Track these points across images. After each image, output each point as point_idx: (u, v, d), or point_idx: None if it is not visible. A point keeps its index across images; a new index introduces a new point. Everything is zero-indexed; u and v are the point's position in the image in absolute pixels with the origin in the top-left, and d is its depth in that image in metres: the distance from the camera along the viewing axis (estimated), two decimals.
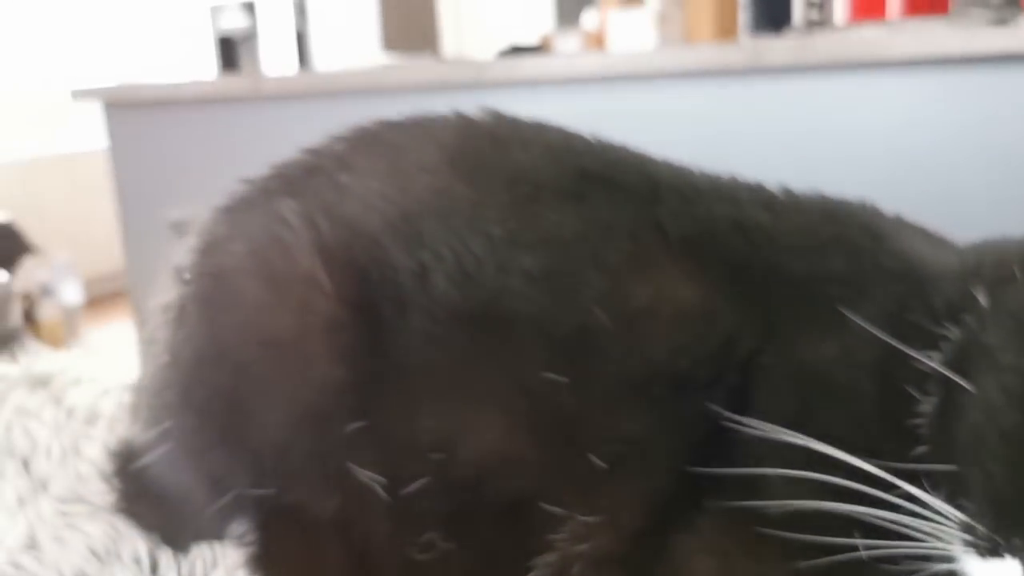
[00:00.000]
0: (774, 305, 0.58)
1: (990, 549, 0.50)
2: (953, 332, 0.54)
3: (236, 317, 0.56)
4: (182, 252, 0.58)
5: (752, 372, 0.57)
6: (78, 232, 3.91)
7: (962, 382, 0.51)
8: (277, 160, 0.62)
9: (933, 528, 0.52)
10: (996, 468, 0.50)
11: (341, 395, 0.56)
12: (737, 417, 0.54)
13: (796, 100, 1.73)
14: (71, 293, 3.57)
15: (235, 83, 2.14)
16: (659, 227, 0.60)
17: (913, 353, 0.52)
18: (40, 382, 0.68)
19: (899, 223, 0.63)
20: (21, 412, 0.64)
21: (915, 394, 0.54)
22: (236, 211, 0.60)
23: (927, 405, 0.54)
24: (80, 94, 2.24)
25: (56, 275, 3.52)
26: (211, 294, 0.57)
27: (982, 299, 0.53)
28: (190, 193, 2.21)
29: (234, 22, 4.27)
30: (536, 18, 3.33)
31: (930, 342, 0.54)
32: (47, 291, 3.48)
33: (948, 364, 0.52)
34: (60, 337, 3.47)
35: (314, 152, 0.63)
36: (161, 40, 4.41)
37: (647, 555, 0.59)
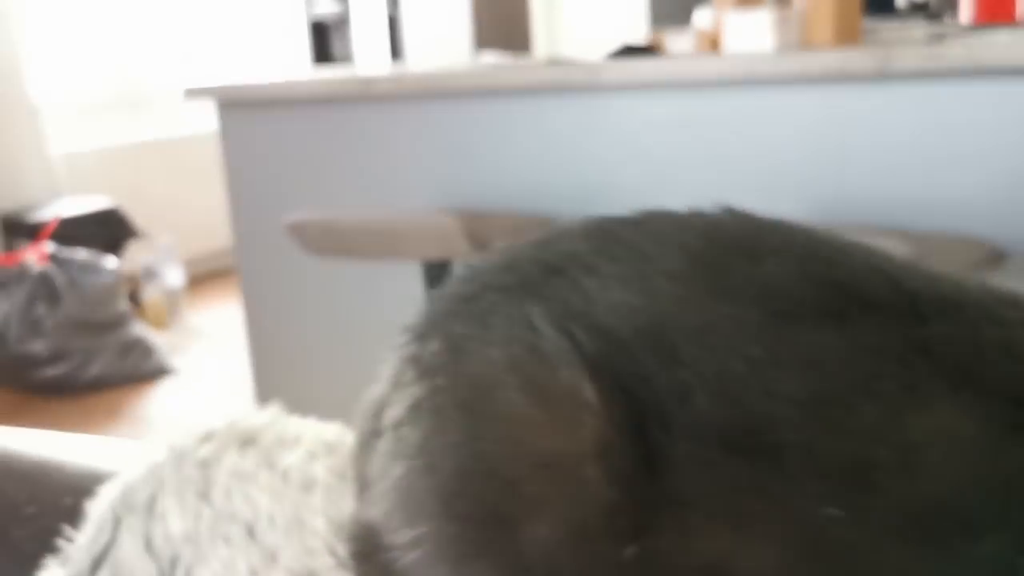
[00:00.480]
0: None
1: None
2: None
3: (503, 431, 0.56)
4: (413, 344, 0.58)
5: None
6: (179, 216, 4.01)
7: None
8: (498, 248, 0.62)
9: None
10: None
11: (615, 518, 0.55)
12: None
13: (925, 106, 1.68)
14: (174, 276, 3.67)
15: (345, 83, 2.17)
16: (928, 352, 0.57)
17: None
18: (248, 441, 0.70)
19: None
20: (238, 476, 0.67)
21: None
22: (474, 307, 0.60)
23: None
24: (193, 92, 2.29)
25: (159, 258, 3.63)
26: (472, 404, 0.57)
27: None
28: (302, 191, 2.25)
29: (327, 7, 4.31)
30: (631, 18, 3.29)
31: None
32: (151, 274, 3.59)
33: None
34: (163, 319, 3.58)
35: (544, 248, 0.62)
36: (255, 24, 4.47)
37: None
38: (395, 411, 0.60)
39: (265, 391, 2.37)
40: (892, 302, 0.59)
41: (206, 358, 3.28)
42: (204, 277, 4.09)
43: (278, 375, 2.38)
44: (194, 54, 4.35)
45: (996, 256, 1.58)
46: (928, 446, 0.55)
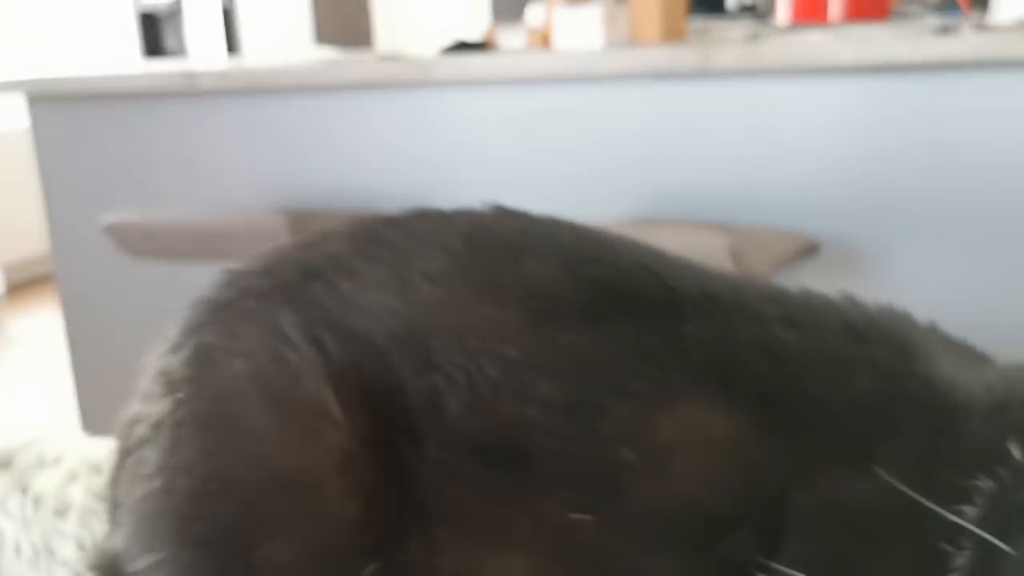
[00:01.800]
0: (804, 436, 0.56)
1: None
2: (986, 484, 0.51)
3: (241, 447, 0.53)
4: (166, 356, 0.54)
5: (783, 511, 0.54)
6: None
7: (997, 543, 0.48)
8: (264, 254, 0.58)
9: None
10: None
11: (356, 534, 0.53)
12: (768, 563, 0.52)
13: (744, 103, 1.73)
14: None
15: (167, 77, 2.06)
16: (684, 351, 0.57)
17: (943, 512, 0.50)
18: (3, 463, 0.64)
19: (929, 335, 0.61)
20: None
21: (948, 548, 0.51)
22: (226, 315, 0.56)
23: (961, 559, 0.51)
24: (2, 86, 2.14)
25: None
26: (211, 419, 0.53)
27: (1016, 452, 0.51)
28: (124, 191, 2.13)
29: None
30: (472, 12, 3.28)
31: (962, 495, 0.51)
32: None
33: (982, 522, 0.50)
34: None
35: (307, 250, 0.59)
36: (81, 17, 4.23)
37: None
38: (141, 428, 0.55)
39: (87, 402, 2.23)
40: (654, 299, 0.59)
41: (25, 369, 3.10)
42: (25, 284, 3.86)
43: (100, 385, 2.25)
44: (8, 46, 4.08)
45: (811, 247, 1.64)
46: (678, 446, 0.55)
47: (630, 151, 1.81)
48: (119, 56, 4.19)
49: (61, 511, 0.61)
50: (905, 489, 0.50)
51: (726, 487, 0.55)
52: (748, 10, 2.88)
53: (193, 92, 2.04)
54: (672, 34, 1.91)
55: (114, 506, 0.56)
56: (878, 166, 1.65)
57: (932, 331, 0.60)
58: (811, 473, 0.54)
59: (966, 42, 1.56)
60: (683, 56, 1.72)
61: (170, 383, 0.54)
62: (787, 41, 1.86)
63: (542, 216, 0.62)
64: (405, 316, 0.55)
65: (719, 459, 0.55)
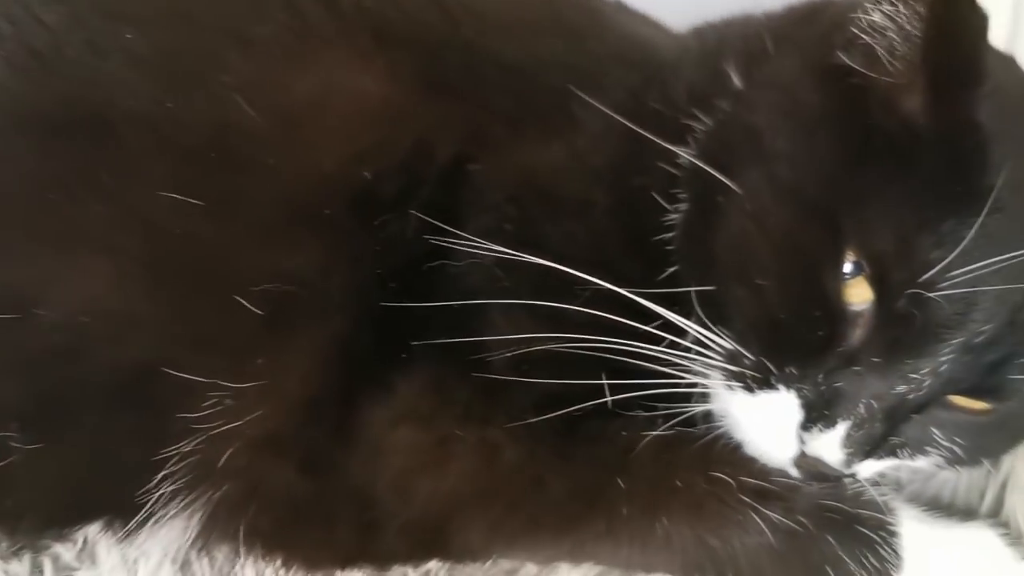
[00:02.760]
0: (483, 99, 0.50)
1: (760, 380, 0.48)
2: (703, 121, 0.49)
3: None
4: None
5: (459, 184, 0.50)
6: None
7: (721, 177, 0.47)
8: None
9: (690, 361, 0.49)
10: (766, 283, 0.47)
11: None
12: (441, 240, 0.48)
13: None
14: None
15: None
16: (334, 5, 0.50)
17: (661, 142, 0.47)
18: None
19: (618, 6, 0.57)
20: None
21: (661, 202, 0.49)
22: None
23: (675, 215, 0.50)
24: None
25: None
26: None
27: (736, 79, 0.49)
28: None
29: None
30: None
31: (676, 135, 0.49)
32: None
33: (702, 157, 0.48)
34: None
35: None
36: None
37: (326, 433, 0.51)
38: None
39: None
40: None
41: None
42: None
43: None
44: None
45: None
46: (314, 107, 0.48)
47: None
48: None
49: None
50: (624, 121, 0.47)
51: (382, 158, 0.49)
52: None
53: None
54: None
55: None
56: None
57: (619, 2, 0.57)
58: (494, 140, 0.50)
59: None
60: None
61: None
62: None
63: None
64: None
65: (372, 124, 0.50)
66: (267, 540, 0.54)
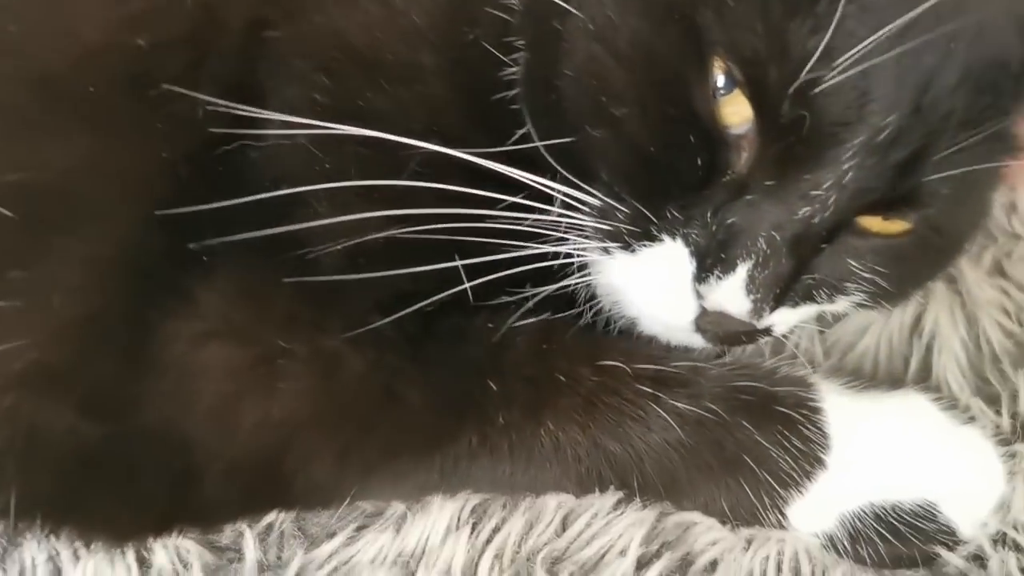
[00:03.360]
0: None
1: (638, 233, 0.42)
2: None
3: None
4: None
5: (257, 56, 0.45)
6: None
7: (563, 4, 0.41)
8: None
9: (556, 228, 0.43)
10: (625, 112, 0.40)
11: None
12: (242, 110, 0.41)
13: None
14: None
15: None
16: None
17: None
18: None
19: None
20: None
21: (497, 54, 0.44)
22: None
23: (515, 68, 0.45)
24: None
25: None
26: None
27: None
28: None
29: None
30: None
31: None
32: None
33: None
34: None
35: None
36: None
37: (114, 362, 0.43)
38: None
39: None
40: None
41: None
42: None
43: None
44: None
45: None
46: None
47: None
48: None
49: None
50: None
51: (158, 24, 0.44)
52: None
53: None
54: None
55: None
56: None
57: None
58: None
59: None
60: None
61: None
62: None
63: None
64: None
65: None
66: (50, 507, 0.43)
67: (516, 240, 0.43)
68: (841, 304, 0.46)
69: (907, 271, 0.45)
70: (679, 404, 0.45)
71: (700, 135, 0.40)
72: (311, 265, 0.43)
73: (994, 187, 0.49)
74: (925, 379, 0.55)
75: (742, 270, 0.40)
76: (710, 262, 0.40)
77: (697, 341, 0.45)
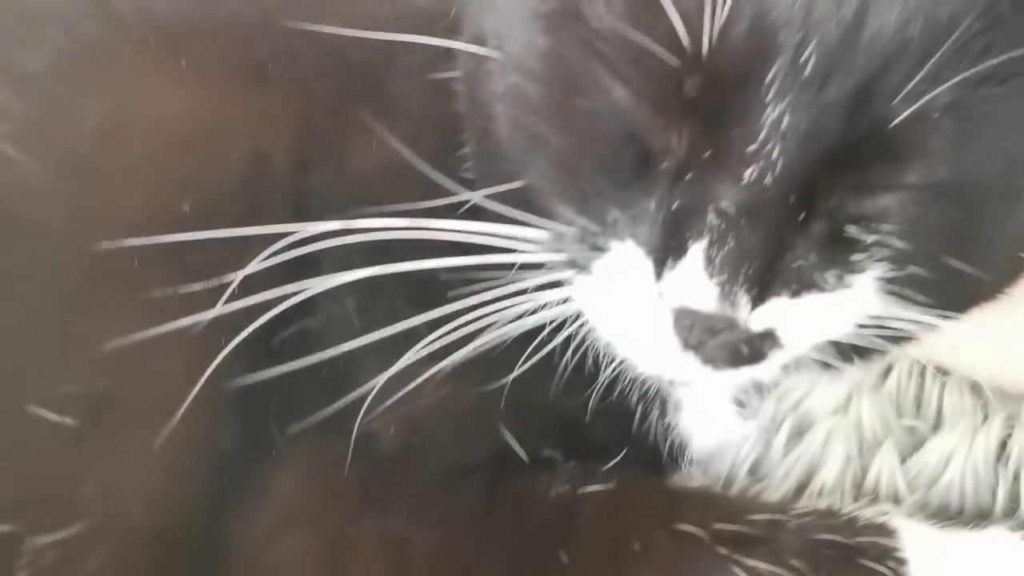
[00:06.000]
0: (307, 84, 0.45)
1: (588, 249, 0.38)
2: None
3: None
4: None
5: (308, 200, 0.44)
6: None
7: (479, 50, 0.40)
8: None
9: (524, 278, 0.40)
10: (552, 126, 0.38)
11: None
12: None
13: None
14: None
15: None
16: (103, 4, 0.44)
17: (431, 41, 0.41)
18: None
19: None
20: None
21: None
22: None
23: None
24: None
25: None
26: None
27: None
28: None
29: None
30: None
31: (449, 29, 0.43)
32: None
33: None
34: None
35: None
36: None
37: (192, 561, 0.42)
38: None
39: None
40: None
41: None
42: None
43: None
44: None
45: None
46: (113, 139, 0.43)
47: None
48: None
49: None
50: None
51: (203, 185, 0.43)
52: None
53: None
54: None
55: None
56: None
57: None
58: (323, 133, 0.45)
59: None
60: None
61: None
62: None
63: None
64: None
65: (183, 147, 0.43)
66: None
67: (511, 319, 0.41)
68: (865, 288, 0.38)
69: (933, 229, 0.37)
70: (760, 564, 0.43)
71: (626, 129, 0.37)
72: (372, 444, 0.43)
73: None
74: (1014, 510, 0.52)
75: (696, 250, 0.34)
76: (663, 254, 0.35)
77: (693, 368, 0.38)
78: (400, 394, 0.41)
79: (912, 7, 0.33)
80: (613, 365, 0.45)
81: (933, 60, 0.33)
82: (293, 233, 0.40)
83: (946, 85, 0.33)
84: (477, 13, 0.42)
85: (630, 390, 0.47)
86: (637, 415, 0.49)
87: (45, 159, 0.41)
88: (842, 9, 0.33)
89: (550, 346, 0.42)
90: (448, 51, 0.42)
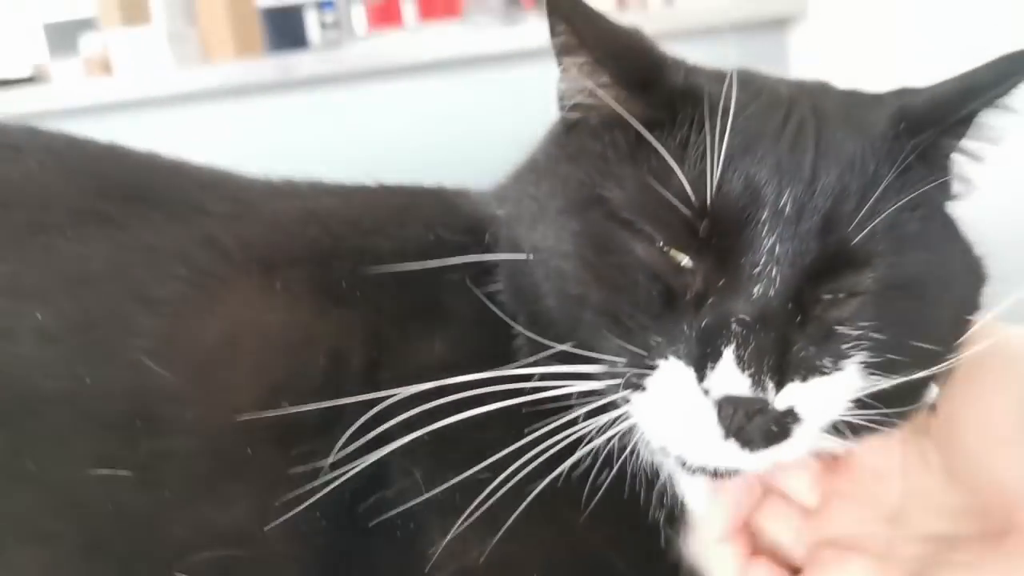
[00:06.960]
0: (373, 295, 0.51)
1: (639, 370, 0.46)
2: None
3: None
4: None
5: (375, 400, 0.48)
6: None
7: (519, 256, 0.50)
8: None
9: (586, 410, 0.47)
10: (595, 291, 0.47)
11: None
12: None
13: (326, 109, 1.68)
14: None
15: None
16: (214, 241, 0.51)
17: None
18: None
19: (442, 191, 0.62)
20: None
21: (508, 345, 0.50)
22: None
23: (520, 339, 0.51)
24: None
25: None
26: None
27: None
28: None
29: None
30: (26, 50, 2.95)
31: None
32: None
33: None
34: None
35: None
36: None
37: None
38: None
39: None
40: (172, 197, 0.53)
41: None
42: None
43: None
44: None
45: None
46: (225, 350, 0.49)
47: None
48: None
49: None
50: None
51: (297, 383, 0.48)
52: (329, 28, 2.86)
53: None
54: (248, 48, 1.81)
55: None
56: (468, 153, 1.67)
57: (441, 190, 0.61)
58: (389, 339, 0.51)
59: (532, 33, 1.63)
60: (263, 69, 1.64)
61: None
62: (367, 45, 1.84)
63: (27, 127, 0.56)
64: None
65: (282, 352, 0.49)
66: None
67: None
68: (853, 371, 0.46)
69: (896, 320, 0.47)
70: None
71: (651, 275, 0.46)
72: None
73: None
74: None
75: (728, 353, 0.43)
76: (702, 361, 0.43)
77: (734, 453, 0.45)
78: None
79: (845, 166, 0.46)
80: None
81: (871, 200, 0.45)
82: (366, 413, 0.47)
83: (883, 215, 0.45)
84: (509, 229, 0.51)
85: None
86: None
87: (175, 368, 0.47)
88: (800, 171, 0.46)
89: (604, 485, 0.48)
90: (483, 266, 0.51)
